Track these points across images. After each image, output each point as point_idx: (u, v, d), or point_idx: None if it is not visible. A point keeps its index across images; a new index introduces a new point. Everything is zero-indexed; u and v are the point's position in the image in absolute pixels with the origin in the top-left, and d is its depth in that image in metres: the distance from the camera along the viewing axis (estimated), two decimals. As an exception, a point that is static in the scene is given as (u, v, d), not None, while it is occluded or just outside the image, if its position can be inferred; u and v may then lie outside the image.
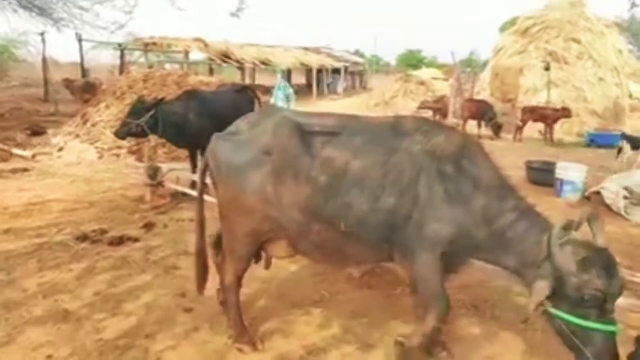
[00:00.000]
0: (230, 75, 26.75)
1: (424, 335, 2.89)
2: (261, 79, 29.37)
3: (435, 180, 2.67)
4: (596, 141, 12.56)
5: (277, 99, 10.63)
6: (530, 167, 8.26)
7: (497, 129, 13.66)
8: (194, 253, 4.88)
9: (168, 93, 10.04)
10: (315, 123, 2.98)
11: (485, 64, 19.94)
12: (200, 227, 3.39)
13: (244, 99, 7.99)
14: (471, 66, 23.75)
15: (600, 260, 2.34)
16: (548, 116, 13.24)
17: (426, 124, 2.97)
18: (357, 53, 49.03)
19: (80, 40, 19.78)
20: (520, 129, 13.62)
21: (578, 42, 14.59)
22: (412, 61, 54.63)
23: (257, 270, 3.51)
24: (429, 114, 15.13)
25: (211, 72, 24.39)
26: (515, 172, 9.19)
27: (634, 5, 7.92)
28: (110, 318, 3.63)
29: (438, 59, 53.87)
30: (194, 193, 6.50)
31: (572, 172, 7.51)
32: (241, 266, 3.23)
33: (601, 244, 2.45)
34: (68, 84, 17.85)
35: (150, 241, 5.27)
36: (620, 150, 9.45)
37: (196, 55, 24.19)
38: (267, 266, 3.44)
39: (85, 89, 16.26)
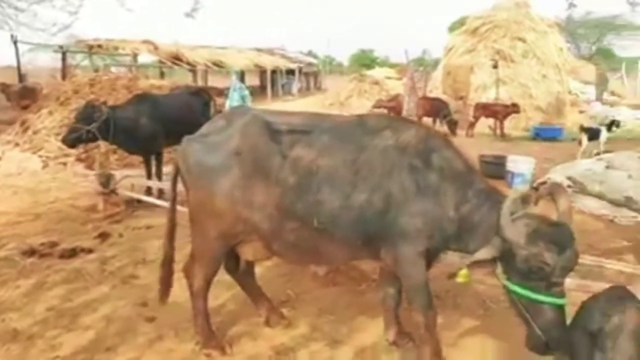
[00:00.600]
0: (181, 78, 26.16)
1: (425, 335, 2.92)
2: (213, 81, 28.84)
3: (407, 176, 2.70)
4: (540, 134, 13.22)
5: (233, 100, 10.45)
6: (483, 161, 8.54)
7: (453, 126, 14.07)
8: (152, 261, 4.74)
9: (117, 98, 9.69)
10: (284, 122, 2.96)
11: (436, 63, 20.46)
12: (170, 233, 3.29)
13: (198, 102, 7.80)
14: (423, 65, 24.34)
15: (551, 234, 2.36)
16: (499, 112, 13.75)
17: (395, 120, 3.00)
18: (310, 54, 49.11)
19: (15, 42, 18.64)
20: (472, 125, 14.07)
21: (523, 41, 15.28)
22: (365, 61, 55.32)
23: (221, 275, 3.42)
24: (383, 112, 15.34)
25: (162, 75, 23.72)
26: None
27: (571, 5, 8.34)
28: (66, 333, 3.44)
29: (390, 59, 54.93)
30: (151, 200, 6.32)
31: (521, 164, 7.85)
32: (211, 270, 3.17)
33: (564, 217, 2.45)
34: (4, 88, 16.72)
35: (106, 251, 5.04)
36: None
37: (145, 57, 23.44)
38: (252, 267, 3.44)
39: (23, 94, 15.25)
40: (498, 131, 14.04)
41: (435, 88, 15.85)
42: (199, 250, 3.14)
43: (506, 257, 2.44)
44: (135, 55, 22.11)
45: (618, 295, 2.05)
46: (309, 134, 2.86)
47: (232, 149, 2.89)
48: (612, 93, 22.22)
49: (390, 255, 2.82)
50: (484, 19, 15.93)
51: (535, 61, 15.06)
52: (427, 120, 14.50)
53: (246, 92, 10.81)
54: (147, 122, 6.65)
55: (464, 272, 2.56)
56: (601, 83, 18.29)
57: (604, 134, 10.13)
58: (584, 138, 10.08)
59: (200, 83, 26.30)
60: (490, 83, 14.76)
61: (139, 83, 10.99)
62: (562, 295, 2.36)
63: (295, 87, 33.63)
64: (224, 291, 3.99)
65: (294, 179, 2.78)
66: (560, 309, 2.37)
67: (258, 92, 28.44)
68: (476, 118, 13.88)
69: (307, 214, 2.77)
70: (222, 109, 10.83)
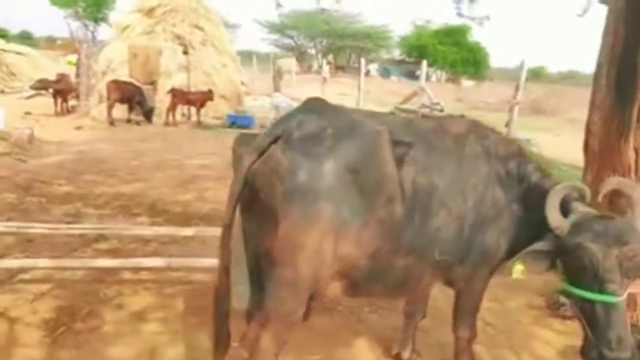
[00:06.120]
0: None
1: (466, 347, 2.90)
2: None
3: (495, 186, 2.54)
4: (237, 122, 13.82)
5: None
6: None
7: (149, 113, 13.05)
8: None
9: None
10: (395, 130, 2.34)
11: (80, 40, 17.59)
12: (226, 283, 2.29)
13: None
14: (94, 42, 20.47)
15: (601, 225, 2.16)
16: (197, 99, 13.60)
17: (472, 124, 2.71)
18: None
19: None
20: (172, 113, 13.40)
21: (201, 29, 15.37)
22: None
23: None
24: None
25: None
26: (211, 159, 9.27)
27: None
28: None
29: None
30: None
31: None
32: (289, 332, 2.29)
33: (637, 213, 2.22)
34: None
35: None
36: None
37: None
38: (307, 317, 2.53)
39: None
40: (194, 119, 13.91)
41: (112, 70, 14.00)
42: (285, 306, 2.20)
43: (560, 253, 2.27)
44: None
45: None
46: (415, 146, 2.35)
47: (346, 164, 2.11)
48: (242, 83, 25.67)
49: (465, 273, 2.63)
50: (160, 0, 15.06)
51: (214, 50, 15.57)
52: (121, 106, 12.86)
53: None
54: None
55: (518, 267, 2.39)
56: (278, 76, 20.86)
57: None
58: None
59: None
60: (175, 69, 14.37)
61: None
62: (615, 294, 2.11)
63: None
64: None
65: (415, 202, 2.27)
66: (617, 310, 2.12)
67: None
68: (174, 105, 13.26)
69: (426, 245, 2.33)
70: None
